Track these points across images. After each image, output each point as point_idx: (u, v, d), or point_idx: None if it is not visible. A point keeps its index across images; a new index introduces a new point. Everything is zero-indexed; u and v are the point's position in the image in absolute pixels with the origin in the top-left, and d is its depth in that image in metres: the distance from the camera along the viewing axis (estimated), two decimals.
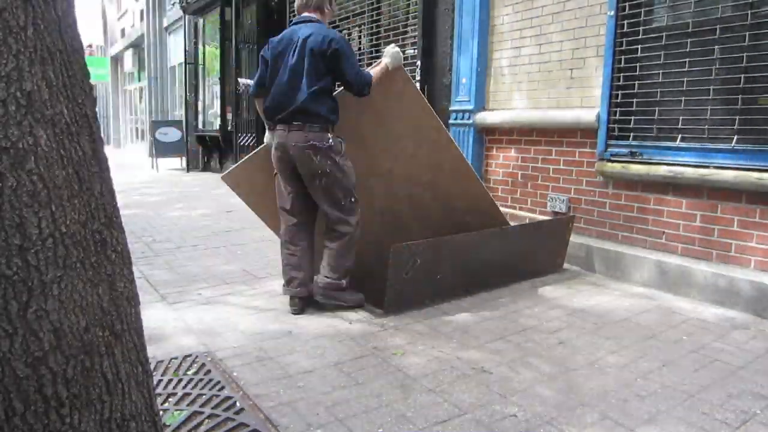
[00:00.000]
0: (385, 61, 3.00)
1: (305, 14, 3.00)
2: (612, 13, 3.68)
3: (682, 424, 1.91)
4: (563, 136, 4.14)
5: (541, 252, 3.74)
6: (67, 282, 1.17)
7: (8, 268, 1.09)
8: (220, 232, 5.16)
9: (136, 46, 19.68)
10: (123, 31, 22.21)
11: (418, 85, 5.28)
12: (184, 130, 12.32)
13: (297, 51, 2.85)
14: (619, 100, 3.72)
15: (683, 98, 3.40)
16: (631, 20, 3.62)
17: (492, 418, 1.94)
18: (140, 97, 20.22)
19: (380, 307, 3.04)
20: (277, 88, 2.92)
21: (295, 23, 2.99)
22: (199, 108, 12.00)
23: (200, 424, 1.89)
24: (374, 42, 6.21)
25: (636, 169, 3.60)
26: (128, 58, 21.32)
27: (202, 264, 4.02)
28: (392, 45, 3.09)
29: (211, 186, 9.07)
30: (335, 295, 3.00)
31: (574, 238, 3.92)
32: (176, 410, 1.98)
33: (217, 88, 10.98)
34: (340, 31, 6.87)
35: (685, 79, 3.37)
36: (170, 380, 2.20)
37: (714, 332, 2.77)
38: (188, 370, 2.29)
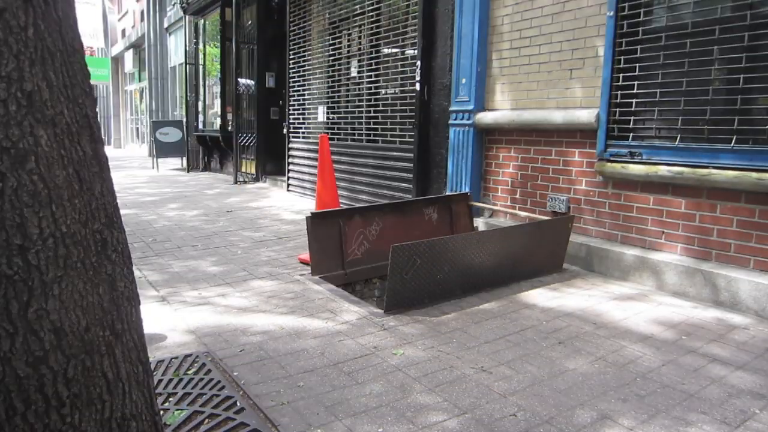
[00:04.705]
0: None
1: None
2: (612, 13, 3.68)
3: (681, 424, 1.91)
4: (563, 136, 4.15)
5: (541, 252, 3.74)
6: (68, 282, 1.18)
7: (9, 268, 1.10)
8: (220, 232, 5.17)
9: (137, 46, 19.69)
10: (123, 31, 22.23)
11: (418, 85, 5.29)
12: (185, 130, 12.33)
13: None
14: (618, 101, 3.73)
15: (683, 98, 3.40)
16: (631, 20, 3.62)
17: (492, 418, 1.94)
18: (141, 98, 20.23)
19: (380, 307, 3.04)
20: None
21: None
22: (200, 108, 12.00)
23: (200, 423, 1.89)
24: (374, 42, 6.21)
25: (635, 169, 3.60)
26: (129, 58, 21.35)
27: (203, 264, 4.02)
28: None
29: (211, 186, 9.08)
30: None
31: (573, 238, 3.92)
32: (176, 410, 1.98)
33: (217, 89, 10.99)
34: (340, 31, 6.89)
35: (685, 79, 3.38)
36: (170, 380, 2.20)
37: (713, 332, 2.77)
38: (188, 369, 2.29)
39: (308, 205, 6.68)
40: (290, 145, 8.16)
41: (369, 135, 6.28)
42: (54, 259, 1.15)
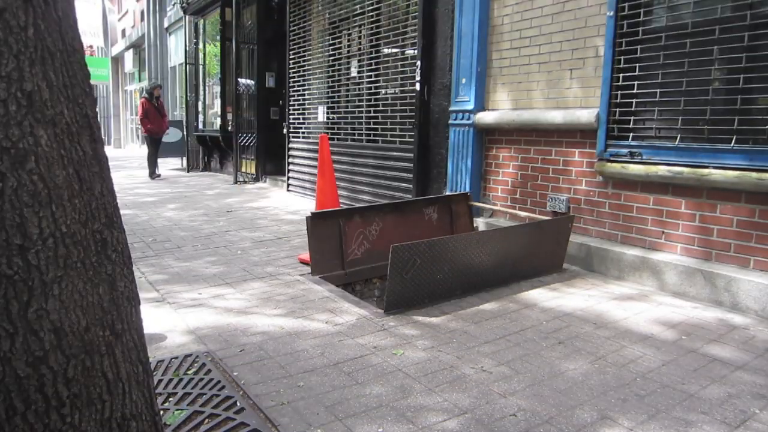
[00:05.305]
0: None
1: None
2: (611, 13, 3.68)
3: (681, 424, 1.91)
4: (563, 136, 4.15)
5: (541, 252, 3.74)
6: (68, 282, 1.18)
7: (9, 268, 1.10)
8: (220, 233, 5.17)
9: (137, 46, 19.70)
10: (123, 31, 22.24)
11: (418, 85, 5.29)
12: (185, 130, 12.33)
13: None
14: (618, 101, 3.73)
15: (682, 98, 3.40)
16: (631, 20, 3.62)
17: (492, 418, 1.94)
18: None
19: (380, 307, 3.04)
20: None
21: None
22: (200, 108, 12.01)
23: (200, 423, 1.89)
24: (374, 42, 6.21)
25: (635, 169, 3.60)
26: (129, 58, 21.35)
27: (202, 264, 4.02)
28: None
29: (211, 186, 9.08)
30: None
31: (573, 238, 3.92)
32: (176, 410, 1.98)
33: (217, 89, 10.99)
34: (340, 31, 6.88)
35: (685, 79, 3.38)
36: (170, 380, 2.20)
37: (713, 332, 2.77)
38: (188, 369, 2.29)
39: (308, 205, 6.68)
40: (290, 145, 8.16)
41: (369, 135, 6.28)
42: (54, 259, 1.15)
